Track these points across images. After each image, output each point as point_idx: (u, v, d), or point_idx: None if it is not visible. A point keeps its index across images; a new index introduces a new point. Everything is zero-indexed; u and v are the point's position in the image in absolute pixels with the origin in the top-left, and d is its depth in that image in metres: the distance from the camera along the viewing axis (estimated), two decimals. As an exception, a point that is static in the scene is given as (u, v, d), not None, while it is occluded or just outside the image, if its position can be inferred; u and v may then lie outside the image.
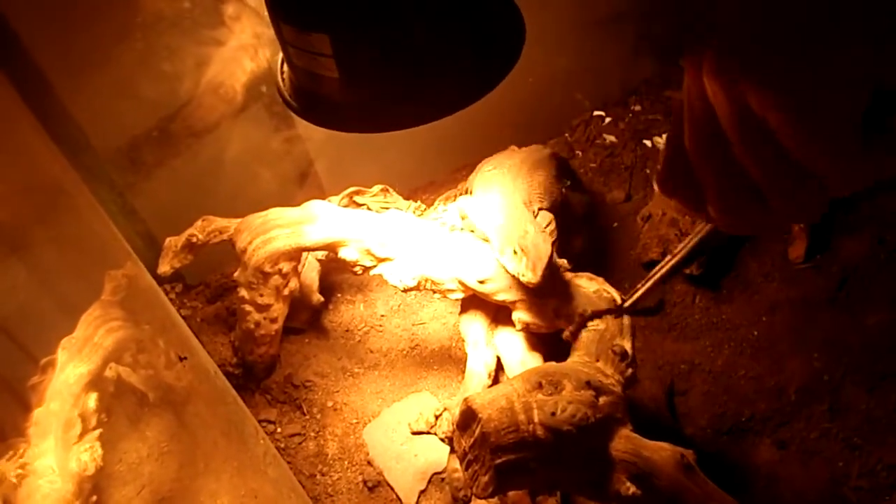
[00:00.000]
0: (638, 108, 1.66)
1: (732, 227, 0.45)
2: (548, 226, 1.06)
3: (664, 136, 1.56)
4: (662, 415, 1.19)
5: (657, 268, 1.00)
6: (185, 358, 0.83)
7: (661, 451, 0.87)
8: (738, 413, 1.19)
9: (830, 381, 1.20)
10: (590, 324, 0.98)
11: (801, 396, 1.19)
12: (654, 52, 1.69)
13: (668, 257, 0.99)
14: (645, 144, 1.59)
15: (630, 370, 0.95)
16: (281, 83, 0.76)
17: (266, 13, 0.69)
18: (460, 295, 1.11)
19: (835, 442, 1.15)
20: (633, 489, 0.83)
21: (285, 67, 0.75)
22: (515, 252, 0.97)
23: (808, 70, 0.37)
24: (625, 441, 0.87)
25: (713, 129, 0.40)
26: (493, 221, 1.05)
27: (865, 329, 1.25)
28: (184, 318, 1.27)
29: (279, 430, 1.19)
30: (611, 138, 1.61)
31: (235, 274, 1.12)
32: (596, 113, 1.65)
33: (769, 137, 0.38)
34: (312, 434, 1.19)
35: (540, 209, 1.10)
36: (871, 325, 1.25)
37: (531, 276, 0.95)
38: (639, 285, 1.01)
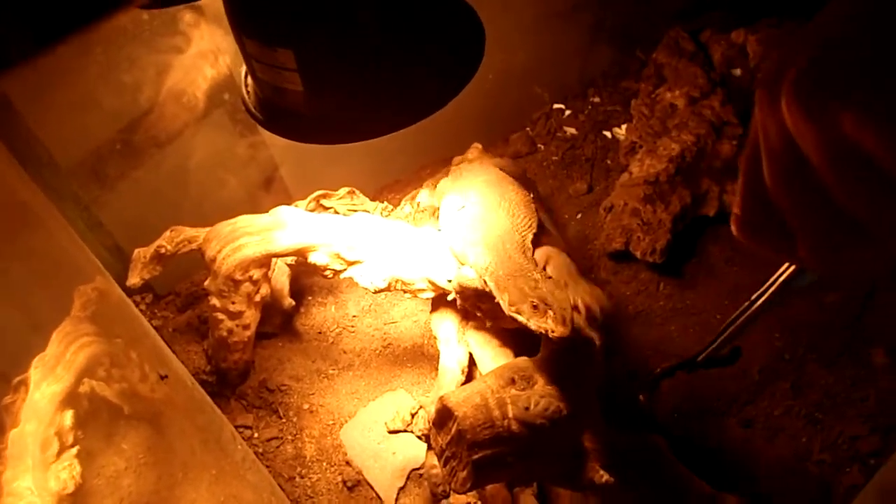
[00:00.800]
0: (597, 99, 1.69)
1: (832, 269, 0.42)
2: (545, 265, 1.05)
3: (623, 126, 1.59)
4: (632, 402, 1.22)
5: (733, 316, 0.92)
6: (166, 376, 0.83)
7: (633, 440, 0.90)
8: (705, 395, 1.23)
9: (791, 359, 1.25)
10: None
11: (764, 376, 1.23)
12: (611, 43, 1.72)
13: (747, 304, 0.89)
14: (605, 136, 1.62)
15: (600, 357, 0.98)
16: (245, 95, 0.76)
17: (226, 22, 0.69)
18: (431, 294, 1.12)
19: (797, 418, 1.19)
20: (606, 477, 0.86)
21: (249, 80, 0.76)
22: (536, 307, 0.88)
23: None
24: (598, 431, 0.89)
25: (800, 164, 0.35)
26: (469, 237, 1.04)
27: (823, 308, 1.29)
28: (155, 328, 1.27)
29: (256, 434, 1.20)
30: (571, 130, 1.64)
31: (206, 282, 1.12)
32: (556, 106, 1.67)
33: (873, 169, 0.32)
34: (290, 437, 1.20)
35: (531, 240, 1.07)
36: (828, 304, 1.29)
37: (562, 330, 0.86)
38: (716, 338, 0.93)
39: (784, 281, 0.79)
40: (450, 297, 1.08)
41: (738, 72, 1.54)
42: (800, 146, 0.35)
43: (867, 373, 1.21)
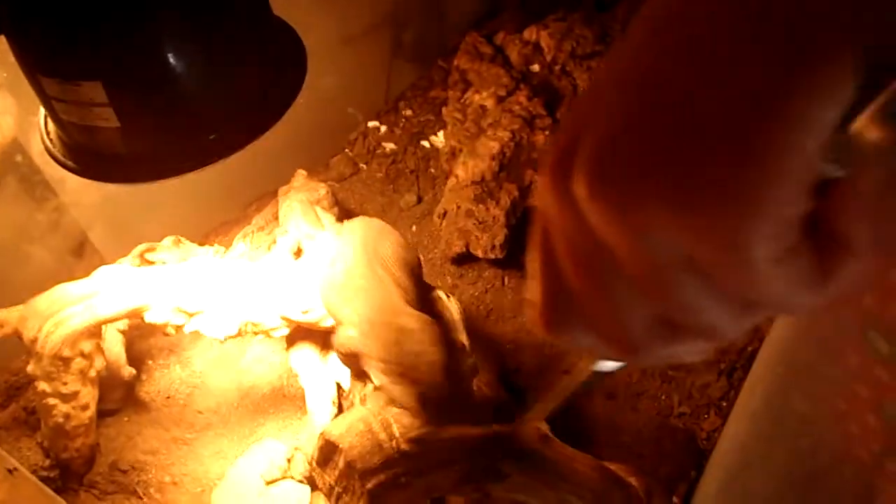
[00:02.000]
0: (409, 112, 1.70)
1: (644, 363, 0.36)
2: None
3: (440, 133, 1.62)
4: (502, 397, 1.24)
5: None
6: (15, 469, 0.72)
7: (518, 430, 0.90)
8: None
9: (637, 326, 1.32)
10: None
11: (616, 347, 1.29)
12: (413, 56, 1.75)
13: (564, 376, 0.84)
14: (424, 146, 1.63)
15: (470, 361, 0.98)
16: (49, 144, 0.68)
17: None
18: (285, 331, 1.07)
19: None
20: (503, 474, 0.86)
21: (50, 126, 0.68)
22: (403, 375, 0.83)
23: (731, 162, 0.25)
24: (485, 430, 0.89)
25: (604, 257, 0.30)
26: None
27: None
28: (-26, 432, 1.11)
29: (117, 523, 1.08)
30: (390, 146, 1.64)
31: (29, 367, 0.99)
32: (370, 124, 1.67)
33: (691, 266, 0.27)
34: (155, 517, 1.09)
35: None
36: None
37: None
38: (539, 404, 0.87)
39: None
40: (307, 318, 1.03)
41: (536, 67, 1.62)
42: (601, 238, 0.29)
43: (704, 324, 1.30)
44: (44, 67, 0.58)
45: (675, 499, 1.08)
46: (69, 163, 0.66)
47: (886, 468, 0.57)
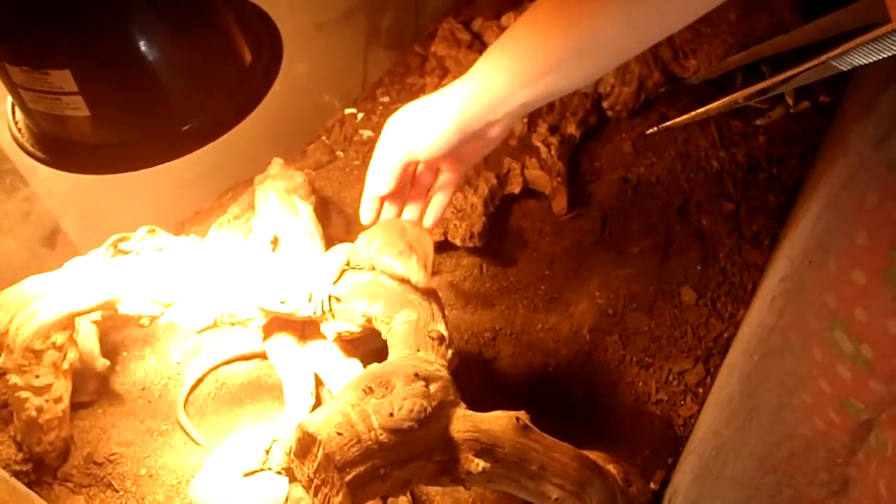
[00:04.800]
0: (386, 98, 1.69)
1: None
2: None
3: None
4: (480, 386, 1.24)
5: None
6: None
7: (497, 420, 0.90)
8: (545, 364, 1.27)
9: (614, 313, 1.32)
10: (402, 315, 0.98)
11: (594, 335, 1.30)
12: (389, 43, 1.73)
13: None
14: (401, 133, 1.62)
15: (450, 351, 0.97)
16: (17, 133, 0.66)
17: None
18: (262, 321, 1.06)
19: (630, 366, 1.26)
20: (482, 464, 0.85)
21: (18, 114, 0.66)
22: (401, 252, 0.91)
23: None
24: (463, 420, 0.88)
25: None
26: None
27: (631, 259, 1.39)
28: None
29: (92, 516, 1.07)
30: (367, 133, 1.63)
31: (0, 360, 0.97)
32: (347, 111, 1.66)
33: None
34: (132, 510, 1.08)
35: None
36: (635, 255, 1.39)
37: (422, 276, 0.90)
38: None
39: None
40: (285, 309, 1.02)
41: (514, 55, 1.61)
42: None
43: (680, 311, 1.31)
44: (10, 55, 0.56)
45: (652, 485, 1.09)
46: (38, 153, 0.65)
47: (857, 458, 0.57)
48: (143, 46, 0.57)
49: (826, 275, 0.66)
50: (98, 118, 0.60)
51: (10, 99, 0.65)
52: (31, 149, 0.65)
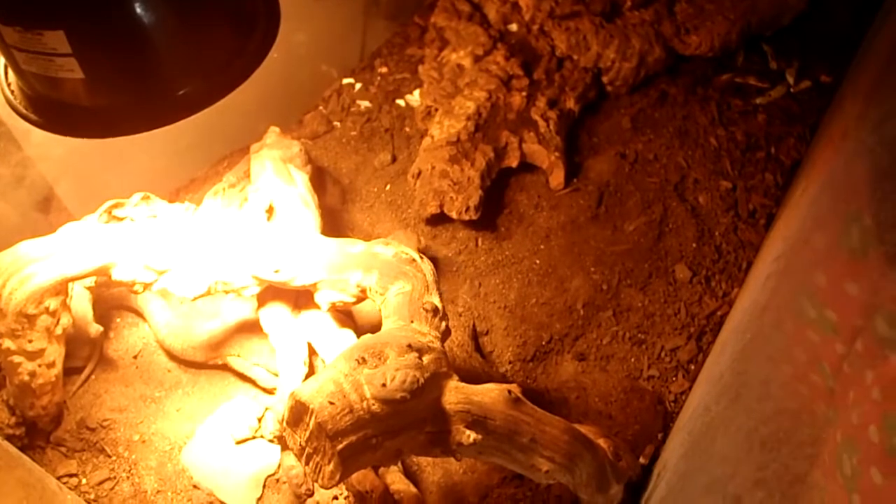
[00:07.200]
0: (384, 69, 1.67)
1: None
2: None
3: (416, 92, 1.59)
4: (473, 359, 1.24)
5: None
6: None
7: (489, 392, 0.90)
8: (538, 338, 1.28)
9: (608, 289, 1.32)
10: (396, 287, 0.98)
11: (588, 310, 1.30)
12: (388, 13, 1.71)
13: None
14: (399, 104, 1.61)
15: (443, 324, 0.97)
16: (10, 95, 0.65)
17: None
18: (256, 290, 1.06)
19: (623, 342, 1.27)
20: (473, 436, 0.86)
21: (11, 76, 0.65)
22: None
23: None
24: (455, 392, 0.89)
25: None
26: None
27: (627, 236, 1.38)
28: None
29: (85, 480, 1.07)
30: (365, 104, 1.61)
31: (-8, 324, 0.97)
32: (345, 81, 1.64)
33: None
34: (124, 475, 1.09)
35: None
36: (631, 231, 1.39)
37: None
38: None
39: None
40: (279, 278, 1.02)
41: (514, 26, 1.60)
42: None
43: (674, 288, 1.32)
44: (3, 15, 0.55)
45: (642, 459, 1.10)
46: (31, 115, 0.64)
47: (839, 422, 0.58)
48: (138, 8, 0.56)
49: (813, 252, 0.66)
50: (92, 81, 0.59)
51: (2, 60, 0.64)
52: (23, 111, 0.64)
